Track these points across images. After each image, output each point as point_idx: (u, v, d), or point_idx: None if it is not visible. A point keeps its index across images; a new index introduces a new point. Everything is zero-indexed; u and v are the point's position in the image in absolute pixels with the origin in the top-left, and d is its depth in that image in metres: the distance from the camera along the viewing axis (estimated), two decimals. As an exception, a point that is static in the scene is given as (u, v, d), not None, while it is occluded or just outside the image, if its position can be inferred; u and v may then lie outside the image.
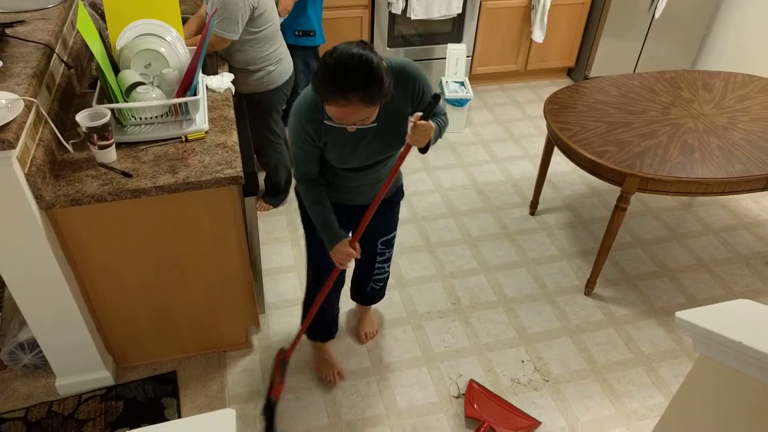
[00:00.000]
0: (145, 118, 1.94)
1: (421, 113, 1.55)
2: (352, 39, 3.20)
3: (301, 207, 1.93)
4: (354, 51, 1.36)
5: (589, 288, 2.67)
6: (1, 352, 2.17)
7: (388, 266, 2.22)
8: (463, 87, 3.69)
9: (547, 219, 3.11)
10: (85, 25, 1.82)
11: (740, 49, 3.96)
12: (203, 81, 2.16)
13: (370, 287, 2.27)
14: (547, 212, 3.16)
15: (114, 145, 1.81)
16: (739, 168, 2.27)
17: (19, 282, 1.82)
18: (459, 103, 3.62)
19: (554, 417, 2.19)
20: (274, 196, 3.08)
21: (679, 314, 1.24)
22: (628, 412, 2.21)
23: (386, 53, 3.80)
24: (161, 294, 2.06)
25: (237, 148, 1.91)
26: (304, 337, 2.20)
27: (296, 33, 2.91)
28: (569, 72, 4.45)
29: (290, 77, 2.69)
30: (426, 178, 3.37)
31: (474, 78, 4.19)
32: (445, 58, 3.79)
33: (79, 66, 2.24)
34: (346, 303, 2.50)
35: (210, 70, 2.41)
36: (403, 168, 3.40)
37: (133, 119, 1.93)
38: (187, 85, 1.93)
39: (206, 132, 1.96)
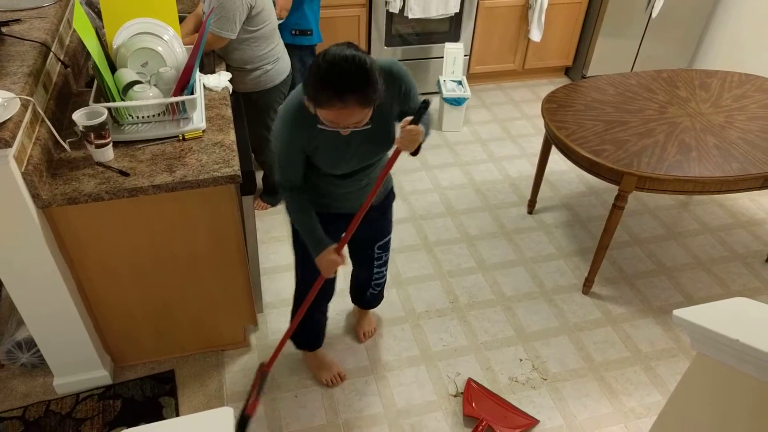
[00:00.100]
0: (142, 117, 1.94)
1: (411, 118, 1.54)
2: (351, 38, 3.24)
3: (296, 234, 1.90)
4: (347, 53, 1.34)
5: (586, 287, 2.68)
6: (-2, 351, 2.17)
7: (386, 270, 2.22)
8: (460, 86, 3.70)
9: (544, 218, 3.12)
10: (81, 23, 1.82)
11: (737, 49, 3.97)
12: (200, 80, 2.16)
13: (369, 292, 2.27)
14: (544, 211, 3.16)
15: (111, 143, 1.81)
16: (736, 167, 2.27)
17: (17, 281, 1.82)
18: (457, 102, 3.62)
19: (552, 415, 2.19)
20: (272, 195, 3.08)
21: (676, 312, 1.24)
22: (625, 411, 2.22)
23: (384, 52, 3.81)
24: (159, 293, 2.06)
25: (234, 147, 1.91)
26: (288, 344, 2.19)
27: (293, 32, 2.91)
28: (567, 71, 4.46)
29: (288, 76, 2.69)
30: (424, 177, 3.37)
31: (472, 77, 4.20)
32: (442, 57, 3.79)
33: (76, 65, 2.24)
34: (344, 303, 2.50)
35: (207, 69, 2.41)
36: (401, 167, 3.42)
37: (130, 118, 1.92)
38: (184, 84, 1.93)
39: (204, 131, 1.96)
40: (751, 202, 3.29)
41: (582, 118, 2.56)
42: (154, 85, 1.95)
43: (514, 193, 3.28)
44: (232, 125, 2.01)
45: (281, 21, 2.74)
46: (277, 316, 2.50)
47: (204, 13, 2.44)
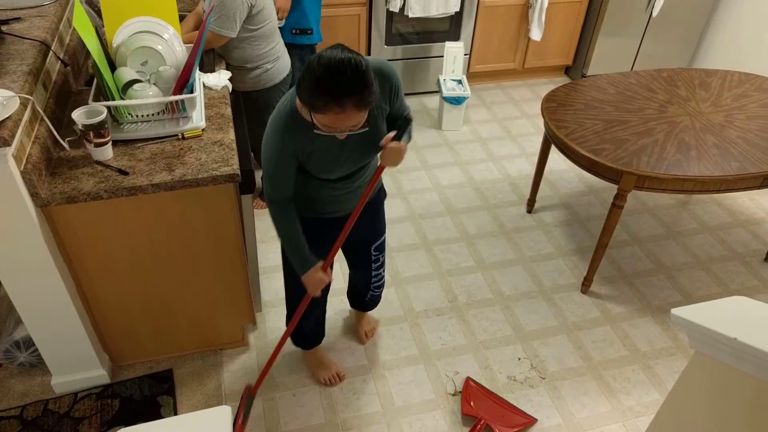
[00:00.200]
0: (142, 116, 1.93)
1: (392, 134, 1.54)
2: (351, 37, 3.23)
3: None
4: (343, 56, 1.33)
5: (585, 286, 2.68)
6: (-3, 350, 2.17)
7: (384, 271, 2.20)
8: (460, 85, 3.69)
9: (544, 217, 3.12)
10: (81, 22, 1.82)
11: (737, 48, 3.97)
12: (200, 78, 2.16)
13: (369, 295, 2.26)
14: (544, 210, 3.16)
15: (110, 142, 1.81)
16: (735, 166, 2.27)
17: (15, 280, 1.82)
18: (456, 101, 3.62)
19: (550, 414, 2.19)
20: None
21: (674, 311, 1.25)
22: (624, 409, 2.22)
23: (384, 51, 3.81)
24: (158, 292, 2.06)
25: (234, 145, 1.91)
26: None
27: (293, 31, 2.91)
28: (567, 70, 4.46)
29: (287, 75, 2.69)
30: (423, 176, 3.37)
31: (472, 76, 4.19)
32: (442, 56, 3.79)
33: (76, 63, 2.24)
34: (343, 303, 2.50)
35: (207, 68, 2.41)
36: (401, 166, 3.42)
37: (129, 117, 1.92)
38: (183, 83, 1.93)
39: (203, 130, 1.96)
40: (750, 201, 3.29)
41: (582, 118, 2.56)
42: (154, 83, 1.95)
43: (514, 192, 3.28)
44: (231, 124, 2.01)
45: (281, 23, 2.74)
46: (275, 315, 2.51)
47: (204, 11, 2.44)
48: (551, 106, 2.63)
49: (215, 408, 1.26)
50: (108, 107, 1.83)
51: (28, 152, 1.67)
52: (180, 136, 1.92)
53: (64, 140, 1.83)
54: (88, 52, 2.27)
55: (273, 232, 2.92)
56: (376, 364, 2.34)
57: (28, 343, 2.13)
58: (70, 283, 1.92)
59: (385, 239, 2.08)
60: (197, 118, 1.97)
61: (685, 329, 1.24)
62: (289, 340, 2.27)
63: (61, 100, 1.98)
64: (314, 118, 1.42)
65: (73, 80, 2.16)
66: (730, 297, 1.31)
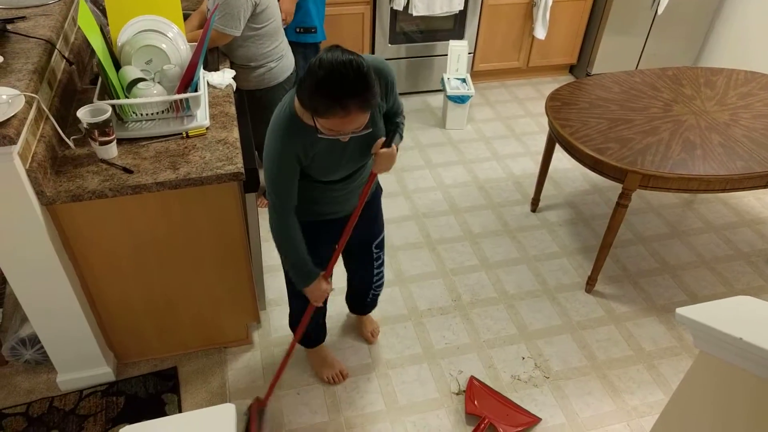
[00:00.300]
0: (146, 114, 1.94)
1: (382, 140, 1.53)
2: (355, 35, 3.22)
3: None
4: (344, 58, 1.31)
5: (590, 285, 2.67)
6: (3, 347, 2.17)
7: (384, 269, 2.20)
8: (464, 84, 3.69)
9: (548, 216, 3.11)
10: (86, 21, 1.82)
11: (743, 46, 3.95)
12: (204, 77, 2.16)
13: (371, 294, 2.25)
14: (548, 209, 3.16)
15: (115, 141, 1.82)
16: (740, 165, 2.26)
17: (20, 278, 1.82)
18: (460, 99, 3.61)
19: (554, 413, 2.19)
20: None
21: (679, 311, 1.24)
22: (628, 409, 2.22)
23: (388, 50, 3.80)
24: (162, 290, 2.06)
25: (238, 144, 1.91)
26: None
27: (297, 30, 2.91)
28: (571, 69, 4.44)
29: (291, 74, 2.69)
30: (427, 175, 3.37)
31: (476, 75, 4.19)
32: (446, 55, 3.78)
33: (81, 62, 2.25)
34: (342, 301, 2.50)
35: (211, 67, 2.41)
36: (404, 165, 3.42)
37: (134, 115, 1.93)
38: (188, 81, 1.93)
39: (207, 128, 1.96)
40: (756, 201, 3.27)
41: (586, 116, 2.55)
42: (158, 82, 1.96)
43: (518, 191, 3.28)
44: (235, 123, 2.01)
45: (285, 26, 2.74)
46: (279, 313, 2.51)
47: (208, 10, 2.44)
48: (555, 105, 2.62)
49: (219, 406, 1.27)
50: (113, 106, 1.84)
51: (34, 150, 1.67)
52: (184, 135, 1.92)
53: (69, 139, 1.84)
54: (92, 51, 2.27)
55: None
56: (380, 363, 2.34)
57: (34, 340, 2.14)
58: (76, 281, 1.92)
59: (384, 237, 2.08)
60: (201, 117, 1.98)
61: (689, 329, 1.23)
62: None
63: (66, 99, 1.99)
64: (317, 123, 1.40)
65: (78, 79, 2.17)
66: (736, 296, 1.30)
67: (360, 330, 2.43)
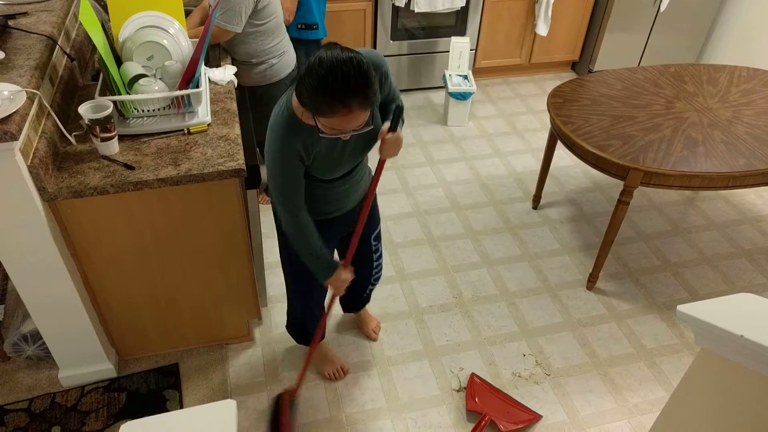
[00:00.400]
0: (148, 111, 1.94)
1: (387, 125, 1.52)
2: (356, 32, 3.20)
3: (284, 234, 1.85)
4: (344, 56, 1.31)
5: (591, 282, 2.67)
6: (5, 343, 2.18)
7: (382, 261, 2.21)
8: (466, 80, 3.68)
9: (549, 213, 3.11)
10: (87, 16, 1.82)
11: (746, 43, 3.94)
12: (206, 73, 2.16)
13: (368, 290, 2.26)
14: (549, 206, 3.15)
15: (116, 137, 1.82)
16: (743, 162, 2.26)
17: (22, 274, 1.83)
18: (462, 96, 3.61)
19: (555, 411, 2.19)
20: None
21: (680, 308, 1.24)
22: (629, 407, 2.22)
23: (390, 46, 3.80)
24: (163, 286, 2.07)
25: (239, 140, 1.91)
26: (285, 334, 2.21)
27: (299, 26, 2.90)
28: (573, 66, 4.43)
29: (293, 70, 2.69)
30: (429, 172, 3.36)
31: (477, 71, 4.18)
32: (448, 52, 3.78)
33: (82, 58, 2.24)
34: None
35: (213, 63, 2.41)
36: (405, 161, 3.42)
37: (135, 111, 1.93)
38: (189, 78, 1.93)
39: (209, 124, 1.96)
40: (758, 198, 3.27)
41: (588, 113, 2.54)
42: (160, 78, 1.95)
43: (519, 188, 3.27)
44: (237, 119, 2.01)
45: (287, 24, 2.73)
46: (281, 310, 2.51)
47: (210, 6, 2.44)
48: (557, 102, 2.62)
49: (220, 402, 1.27)
50: (114, 102, 1.83)
51: (35, 146, 1.67)
52: (186, 131, 1.92)
53: (70, 135, 1.84)
54: (94, 47, 2.27)
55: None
56: (381, 360, 2.35)
57: (36, 336, 2.14)
58: (77, 277, 1.93)
59: (380, 229, 2.09)
60: (203, 113, 1.97)
61: (691, 326, 1.23)
62: (292, 342, 2.28)
63: (67, 95, 1.99)
64: (318, 122, 1.40)
65: (79, 75, 2.17)
66: (737, 294, 1.30)
67: (361, 327, 2.43)
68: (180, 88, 1.93)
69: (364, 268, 2.15)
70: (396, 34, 3.77)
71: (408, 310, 2.55)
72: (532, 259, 2.83)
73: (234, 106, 2.08)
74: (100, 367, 2.17)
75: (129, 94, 1.90)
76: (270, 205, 3.09)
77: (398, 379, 2.28)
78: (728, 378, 1.21)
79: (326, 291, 2.09)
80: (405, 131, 3.70)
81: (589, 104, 2.61)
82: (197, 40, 2.06)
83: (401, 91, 4.06)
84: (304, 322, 2.14)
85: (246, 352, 2.35)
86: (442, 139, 3.65)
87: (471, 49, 3.91)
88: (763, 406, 1.14)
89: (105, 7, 2.36)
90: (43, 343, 2.15)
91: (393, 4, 3.61)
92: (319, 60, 1.32)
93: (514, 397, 2.22)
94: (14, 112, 1.55)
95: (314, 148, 1.54)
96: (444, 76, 3.71)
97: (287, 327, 2.24)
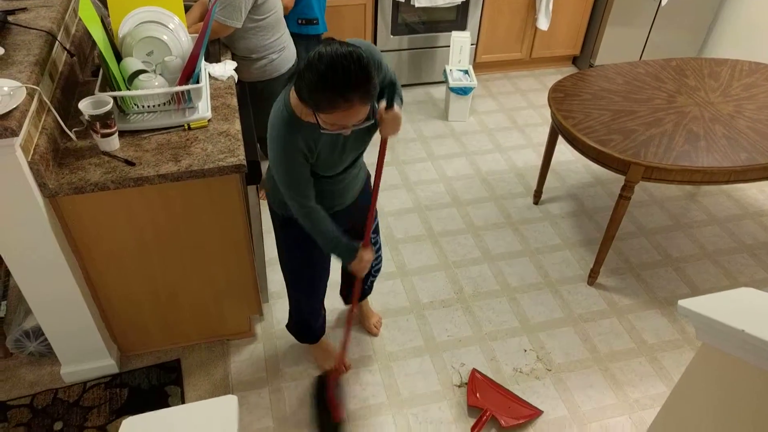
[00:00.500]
0: (148, 106, 1.94)
1: (384, 103, 1.51)
2: (357, 27, 3.17)
3: (281, 229, 1.87)
4: (344, 50, 1.30)
5: (592, 278, 2.67)
6: (7, 340, 2.18)
7: (381, 252, 2.22)
8: (467, 75, 3.67)
9: (550, 208, 3.11)
10: (87, 12, 1.81)
11: (748, 37, 3.92)
12: (206, 69, 2.15)
13: (370, 281, 2.26)
14: (550, 201, 3.15)
15: (117, 133, 1.81)
16: (744, 157, 2.25)
17: (24, 270, 1.83)
18: (463, 91, 3.60)
19: (556, 406, 2.19)
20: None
21: (681, 302, 1.24)
22: (630, 402, 2.22)
23: (390, 41, 3.79)
24: (165, 282, 2.07)
25: (240, 136, 1.91)
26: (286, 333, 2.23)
27: (299, 21, 2.89)
28: (574, 60, 4.42)
29: (293, 66, 2.68)
30: (430, 167, 3.36)
31: (478, 66, 4.17)
32: (449, 46, 3.77)
33: (82, 54, 2.24)
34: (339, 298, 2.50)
35: (213, 58, 2.40)
36: (406, 157, 3.41)
37: (135, 107, 1.93)
38: (189, 73, 1.92)
39: (209, 120, 1.96)
40: (759, 193, 3.26)
41: (589, 108, 2.54)
42: (160, 74, 1.95)
43: (520, 183, 3.27)
44: (237, 115, 2.01)
45: (286, 12, 2.72)
46: (282, 305, 2.51)
47: (210, 1, 2.43)
48: (558, 97, 2.61)
49: (222, 397, 1.27)
50: (114, 98, 1.83)
51: (36, 142, 1.67)
52: (186, 127, 1.92)
53: (71, 131, 1.84)
54: (94, 43, 2.26)
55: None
56: (382, 355, 2.35)
57: (38, 332, 2.14)
58: (78, 273, 1.93)
59: (378, 221, 2.08)
60: (203, 109, 1.97)
61: (692, 321, 1.23)
62: (293, 338, 2.29)
63: (67, 91, 1.99)
64: (319, 118, 1.39)
65: (79, 70, 2.16)
66: (738, 288, 1.30)
67: (363, 322, 2.44)
68: (180, 84, 1.93)
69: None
70: (396, 29, 3.76)
71: (409, 306, 2.55)
72: (533, 255, 2.83)
73: (234, 101, 2.08)
74: (102, 363, 2.18)
75: (129, 89, 1.89)
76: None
77: (399, 374, 2.28)
78: (729, 373, 1.21)
79: (326, 287, 2.09)
80: (406, 126, 3.69)
81: (590, 99, 2.60)
82: (197, 35, 2.05)
83: (402, 86, 4.05)
84: (308, 320, 2.15)
85: (247, 348, 2.35)
86: (442, 134, 3.64)
87: (471, 44, 3.90)
88: (764, 401, 1.14)
89: (104, 3, 2.36)
90: (45, 339, 2.15)
91: (393, -1, 3.60)
92: (318, 55, 1.32)
93: (515, 392, 2.22)
94: (14, 108, 1.55)
95: (316, 146, 1.53)
96: (444, 71, 3.70)
97: (288, 327, 2.24)
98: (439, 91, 4.05)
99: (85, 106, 1.74)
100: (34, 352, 2.22)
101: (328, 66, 1.30)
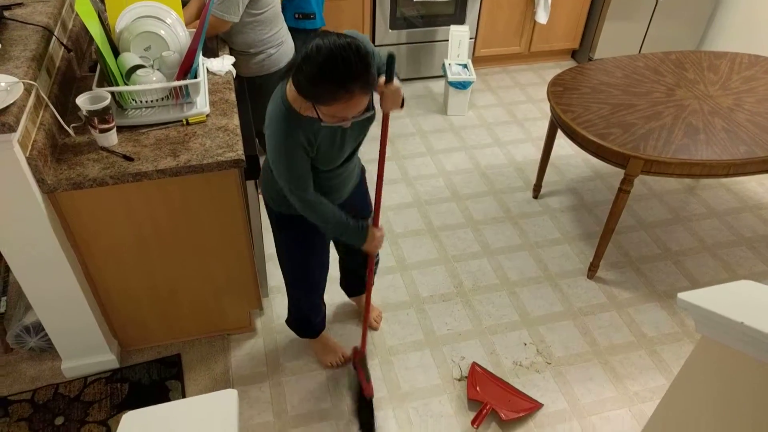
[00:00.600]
0: (146, 102, 1.93)
1: (383, 78, 1.49)
2: (355, 21, 3.14)
3: (278, 228, 1.87)
4: (342, 42, 1.30)
5: (591, 271, 2.67)
6: (8, 335, 2.19)
7: None
8: (466, 69, 3.66)
9: (550, 202, 3.10)
10: (83, 7, 1.81)
11: (747, 30, 3.91)
12: (204, 64, 2.15)
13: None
14: (550, 195, 3.15)
15: (115, 128, 1.81)
16: (743, 150, 2.25)
17: (23, 266, 1.83)
18: (462, 85, 3.59)
19: (556, 399, 2.20)
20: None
21: (681, 295, 1.24)
22: (630, 395, 2.22)
23: (389, 35, 3.77)
24: (164, 277, 2.07)
25: (238, 131, 1.90)
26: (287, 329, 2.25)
27: (296, 15, 2.88)
28: (573, 54, 4.41)
29: (291, 60, 2.67)
30: (429, 162, 3.35)
31: (477, 60, 4.16)
32: (447, 41, 3.75)
33: (79, 49, 2.23)
34: (339, 291, 2.50)
35: (210, 53, 2.40)
36: (405, 152, 3.41)
37: (133, 102, 1.92)
38: (187, 68, 1.92)
39: (207, 115, 1.96)
40: (759, 186, 3.26)
41: (588, 101, 2.53)
42: (158, 69, 1.94)
43: (520, 177, 3.27)
44: (235, 109, 2.00)
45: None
46: (282, 300, 2.51)
47: (207, -4, 2.42)
48: (557, 90, 2.61)
49: (222, 391, 1.27)
50: (112, 93, 1.83)
51: (34, 138, 1.67)
52: (184, 122, 1.92)
53: (68, 126, 1.83)
54: (91, 38, 2.26)
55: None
56: (383, 350, 2.35)
57: (38, 328, 2.15)
58: (78, 269, 1.93)
59: None
60: (201, 104, 1.97)
61: (691, 314, 1.23)
62: (294, 334, 2.29)
63: (65, 86, 1.98)
64: (319, 111, 1.39)
65: (76, 66, 2.16)
66: (737, 281, 1.30)
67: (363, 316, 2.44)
68: (178, 79, 1.92)
69: (362, 252, 2.15)
70: (395, 23, 3.75)
71: (409, 300, 2.56)
72: (533, 249, 2.83)
73: (232, 96, 2.07)
74: (103, 358, 2.18)
75: (127, 84, 1.89)
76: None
77: (399, 368, 2.28)
78: (728, 365, 1.21)
79: (326, 282, 2.09)
80: (405, 121, 3.69)
81: (589, 92, 2.59)
82: (194, 30, 2.04)
83: (401, 80, 4.04)
84: (308, 316, 2.15)
85: (248, 343, 2.35)
86: (441, 128, 3.64)
87: (470, 38, 3.89)
88: (763, 393, 1.14)
89: (102, -2, 2.35)
90: (46, 335, 2.16)
91: (392, -7, 3.58)
92: (316, 48, 1.31)
93: (515, 385, 2.23)
94: (12, 103, 1.54)
95: (316, 139, 1.53)
96: (443, 65, 3.69)
97: (288, 323, 2.24)
98: (438, 86, 4.04)
99: (82, 101, 1.74)
100: (34, 348, 2.22)
101: (327, 58, 1.30)
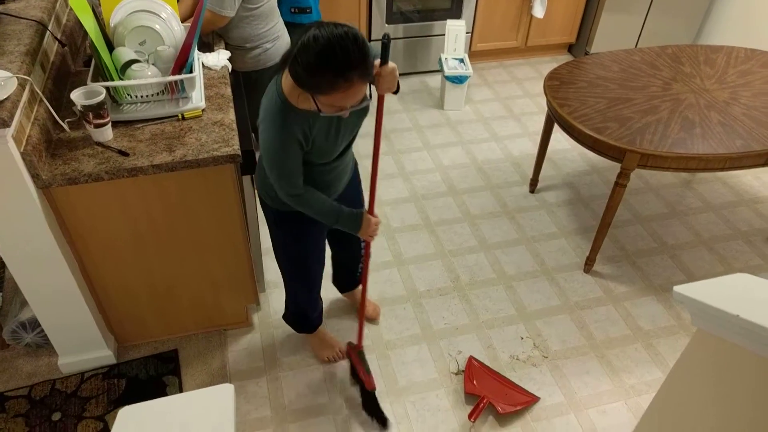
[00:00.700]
0: (141, 96, 1.92)
1: (378, 61, 1.49)
2: (351, 15, 3.14)
3: (275, 225, 1.87)
4: (340, 31, 1.30)
5: (588, 265, 2.68)
6: (4, 331, 2.18)
7: None
8: (462, 64, 3.66)
9: (546, 197, 3.11)
10: (77, 1, 1.79)
11: (743, 24, 3.91)
12: (199, 58, 2.14)
13: (359, 267, 2.27)
14: (546, 190, 3.15)
15: (110, 123, 1.80)
16: (740, 143, 2.25)
17: (18, 261, 1.82)
18: (458, 80, 3.58)
19: (553, 392, 2.21)
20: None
21: (677, 288, 1.24)
22: (626, 387, 2.23)
23: (385, 30, 3.76)
24: (161, 272, 2.06)
25: (234, 126, 1.90)
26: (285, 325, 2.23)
27: (292, 10, 2.87)
28: (570, 48, 4.40)
29: (287, 55, 2.66)
30: (426, 157, 3.35)
31: (473, 55, 4.15)
32: (444, 35, 3.74)
33: (74, 44, 2.22)
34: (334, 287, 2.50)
35: (206, 48, 2.38)
36: (402, 146, 3.40)
37: (128, 97, 1.91)
38: (182, 63, 1.91)
39: (203, 110, 1.95)
40: (755, 180, 3.27)
41: (585, 96, 2.53)
42: (153, 63, 1.93)
43: (516, 172, 3.27)
44: (231, 104, 2.00)
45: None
46: (279, 295, 2.51)
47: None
48: (554, 85, 2.60)
49: (218, 386, 1.27)
50: (107, 88, 1.82)
51: (28, 133, 1.66)
52: (180, 117, 1.91)
53: (63, 121, 1.83)
54: (85, 32, 2.24)
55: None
56: (380, 344, 2.36)
57: (34, 324, 2.14)
58: (74, 264, 1.92)
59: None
60: (197, 99, 1.96)
61: (687, 307, 1.24)
62: (291, 329, 2.29)
63: (59, 81, 1.97)
64: (318, 101, 1.38)
65: (71, 61, 2.14)
66: (733, 274, 1.30)
67: (359, 311, 2.44)
68: (173, 74, 1.91)
69: (353, 246, 2.16)
70: (391, 18, 3.74)
71: (406, 295, 2.56)
72: (530, 243, 2.83)
73: (228, 91, 2.06)
74: (100, 353, 2.18)
75: (122, 79, 1.88)
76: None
77: (396, 363, 2.29)
78: (724, 358, 1.22)
79: (322, 278, 2.09)
80: (401, 116, 3.68)
81: (585, 87, 2.59)
82: (189, 24, 2.03)
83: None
84: (305, 311, 2.15)
85: (245, 338, 2.35)
86: (438, 123, 3.63)
87: (467, 32, 3.88)
88: (759, 386, 1.15)
89: (96, -8, 2.33)
90: (42, 330, 2.15)
91: (388, -13, 3.57)
92: (313, 38, 1.30)
93: (512, 379, 2.23)
94: (5, 98, 1.54)
95: (311, 132, 1.53)
96: (440, 59, 3.68)
97: (285, 318, 2.24)
98: (434, 80, 4.03)
99: (77, 96, 1.73)
100: (31, 344, 2.22)
101: (325, 47, 1.29)
